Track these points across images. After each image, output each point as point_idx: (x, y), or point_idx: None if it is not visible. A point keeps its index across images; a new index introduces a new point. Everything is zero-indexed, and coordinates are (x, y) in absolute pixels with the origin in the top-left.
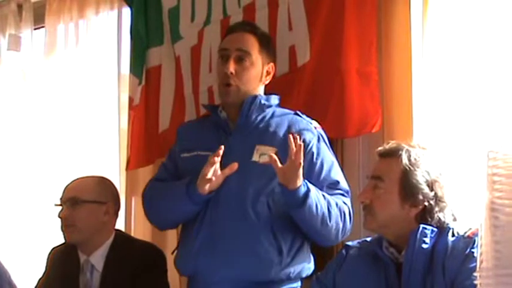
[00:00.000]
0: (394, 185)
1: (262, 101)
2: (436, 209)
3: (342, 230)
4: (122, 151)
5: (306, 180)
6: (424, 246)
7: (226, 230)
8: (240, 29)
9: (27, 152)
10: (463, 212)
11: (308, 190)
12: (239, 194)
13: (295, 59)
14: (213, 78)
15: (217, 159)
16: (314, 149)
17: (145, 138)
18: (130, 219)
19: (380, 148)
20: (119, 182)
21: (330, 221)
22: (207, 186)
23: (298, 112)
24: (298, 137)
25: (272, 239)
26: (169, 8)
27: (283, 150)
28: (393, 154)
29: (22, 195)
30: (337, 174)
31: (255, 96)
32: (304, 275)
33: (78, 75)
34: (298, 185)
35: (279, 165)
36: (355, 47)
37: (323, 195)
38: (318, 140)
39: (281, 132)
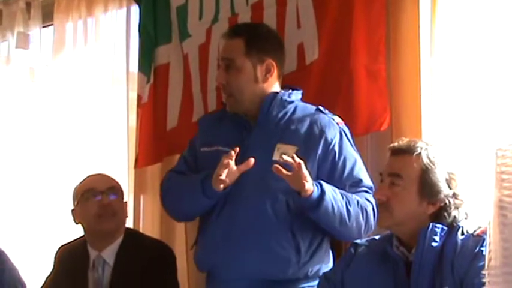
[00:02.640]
0: (413, 183)
1: (284, 98)
2: (453, 207)
3: (365, 227)
4: (131, 149)
5: (320, 182)
6: (434, 244)
7: (244, 228)
8: (226, 36)
9: (35, 150)
10: (472, 210)
11: (322, 193)
12: (258, 192)
13: (303, 56)
14: None
15: (231, 162)
16: (336, 148)
17: (154, 136)
18: (139, 217)
19: (394, 145)
20: (128, 180)
21: (349, 220)
22: (221, 185)
23: (320, 107)
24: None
25: (290, 238)
26: (177, 6)
27: (304, 148)
28: (410, 151)
29: (30, 193)
30: (360, 172)
31: (276, 93)
32: (321, 273)
33: (87, 73)
34: (310, 192)
35: (285, 172)
36: (364, 44)
37: (342, 195)
38: (341, 137)
39: (302, 129)
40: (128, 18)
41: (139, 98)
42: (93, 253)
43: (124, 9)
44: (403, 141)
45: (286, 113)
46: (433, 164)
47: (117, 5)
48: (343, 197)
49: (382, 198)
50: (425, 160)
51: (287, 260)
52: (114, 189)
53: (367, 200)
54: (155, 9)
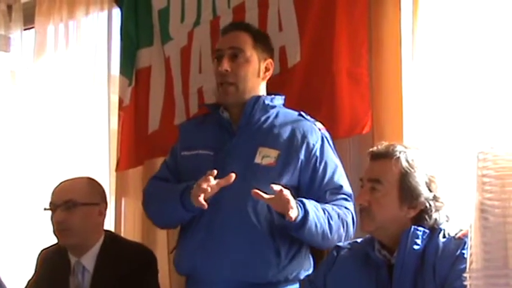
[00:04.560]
0: (393, 187)
1: (266, 102)
2: (434, 209)
3: (345, 236)
4: (112, 152)
5: (303, 202)
6: (416, 247)
7: (225, 230)
8: (232, 28)
9: (17, 153)
10: (453, 213)
11: (306, 214)
12: (240, 195)
13: (285, 60)
14: (203, 79)
15: (208, 188)
16: (318, 153)
17: (135, 139)
18: (121, 220)
19: (373, 149)
20: (109, 183)
21: (331, 235)
22: (199, 204)
23: (302, 113)
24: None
25: (270, 241)
26: (159, 9)
27: (286, 153)
28: (388, 155)
29: (12, 197)
30: (340, 178)
31: (259, 97)
32: (302, 277)
33: (68, 76)
34: (294, 217)
35: (266, 196)
36: (346, 47)
37: (324, 210)
38: (322, 142)
39: (285, 134)
40: (110, 21)
41: (120, 101)
42: (73, 259)
43: (105, 12)
44: (381, 146)
45: (268, 118)
46: (412, 168)
47: (98, 8)
48: (324, 213)
49: (363, 203)
50: (404, 164)
51: (267, 262)
52: (70, 202)
53: (347, 208)
54: (137, 12)
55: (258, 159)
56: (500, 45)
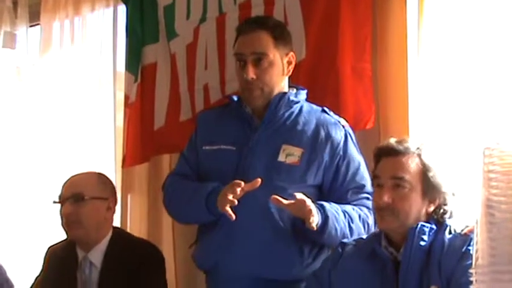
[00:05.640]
0: (417, 183)
1: (291, 98)
2: (449, 202)
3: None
4: (118, 149)
5: (323, 206)
6: (422, 243)
7: (248, 228)
8: (250, 28)
9: (22, 150)
10: (459, 209)
11: (326, 218)
12: (263, 193)
13: None
14: (209, 76)
15: (235, 201)
16: (341, 152)
17: (141, 135)
18: (126, 217)
19: (385, 145)
20: (115, 180)
21: (351, 236)
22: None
23: (326, 109)
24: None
25: (294, 239)
26: (164, 6)
27: (310, 151)
28: (407, 151)
29: (18, 193)
30: (362, 176)
31: (284, 93)
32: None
33: (74, 72)
34: (315, 223)
35: (285, 202)
36: (350, 43)
37: (345, 213)
38: (346, 140)
39: (309, 131)
40: (115, 18)
41: (126, 97)
42: (80, 254)
43: (111, 9)
44: (393, 142)
45: (292, 113)
46: (432, 162)
47: (104, 5)
48: (345, 216)
49: (388, 201)
50: (425, 158)
51: (291, 260)
52: (79, 195)
53: (368, 208)
54: (142, 8)
55: (281, 158)
56: (506, 41)
